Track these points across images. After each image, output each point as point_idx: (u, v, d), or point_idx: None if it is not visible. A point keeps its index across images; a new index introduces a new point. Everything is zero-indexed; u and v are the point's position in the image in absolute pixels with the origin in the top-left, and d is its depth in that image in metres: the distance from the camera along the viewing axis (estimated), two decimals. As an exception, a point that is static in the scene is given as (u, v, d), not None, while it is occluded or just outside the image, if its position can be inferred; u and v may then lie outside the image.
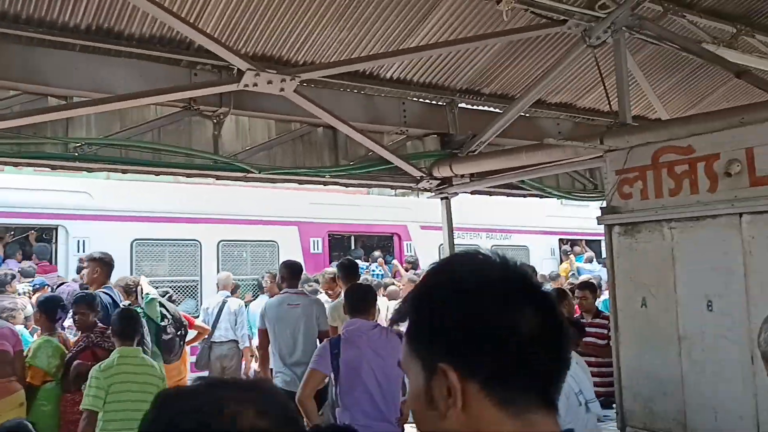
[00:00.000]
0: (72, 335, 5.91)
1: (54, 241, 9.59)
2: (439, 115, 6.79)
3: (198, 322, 8.11)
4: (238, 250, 10.94)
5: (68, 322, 6.13)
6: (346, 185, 7.00)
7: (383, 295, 9.19)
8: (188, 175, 5.98)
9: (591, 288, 7.37)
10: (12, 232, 9.89)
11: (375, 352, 4.41)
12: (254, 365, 8.66)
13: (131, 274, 8.54)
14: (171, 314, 6.55)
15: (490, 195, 7.88)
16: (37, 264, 9.12)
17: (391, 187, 7.48)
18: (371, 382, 4.43)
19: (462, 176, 6.77)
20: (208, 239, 10.46)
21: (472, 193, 7.44)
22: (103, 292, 5.88)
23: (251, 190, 9.87)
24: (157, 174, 5.81)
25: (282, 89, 5.10)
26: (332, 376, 4.59)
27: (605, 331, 6.47)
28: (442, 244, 7.53)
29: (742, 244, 4.14)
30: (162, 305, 6.56)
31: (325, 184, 6.76)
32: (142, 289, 6.59)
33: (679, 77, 7.38)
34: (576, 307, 7.30)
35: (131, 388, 4.72)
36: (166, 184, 9.74)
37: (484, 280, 1.02)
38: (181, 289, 9.90)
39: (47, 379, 5.37)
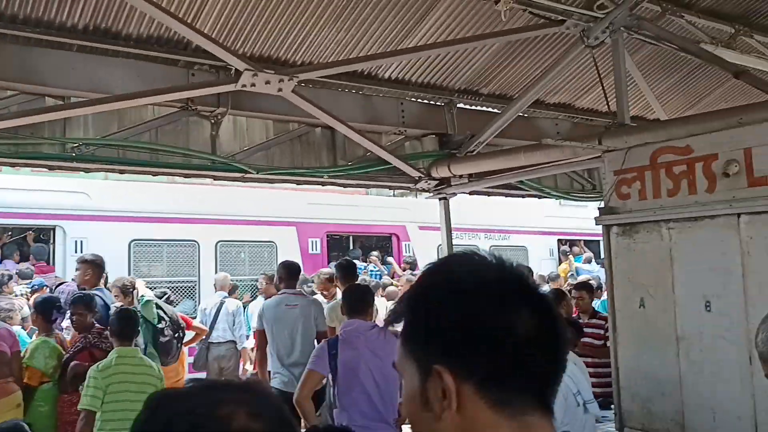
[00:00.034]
0: (69, 335, 5.90)
1: (51, 241, 9.57)
2: (437, 116, 6.78)
3: (195, 322, 8.10)
4: (236, 250, 10.92)
5: (66, 322, 6.12)
6: (344, 186, 7.00)
7: (382, 296, 9.19)
8: (186, 176, 5.97)
9: (588, 288, 7.36)
10: (9, 233, 9.87)
11: (373, 352, 4.40)
12: (248, 367, 8.63)
13: (129, 274, 8.54)
14: (168, 316, 6.54)
15: (489, 195, 7.88)
16: (34, 265, 9.11)
17: (389, 188, 7.49)
18: (369, 382, 4.43)
19: (460, 176, 6.77)
20: (206, 240, 10.44)
21: (470, 193, 7.44)
22: (95, 294, 5.87)
23: (249, 191, 9.87)
24: (155, 174, 5.80)
25: (280, 89, 5.09)
26: (330, 377, 4.58)
27: (602, 332, 6.46)
28: (440, 245, 7.52)
29: (740, 244, 4.14)
30: (159, 307, 6.55)
31: (323, 184, 6.76)
32: (137, 291, 6.59)
33: (678, 77, 7.38)
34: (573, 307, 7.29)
35: (129, 388, 4.71)
36: (164, 184, 9.73)
37: (481, 281, 1.02)
38: (179, 290, 9.89)
39: (44, 380, 5.36)
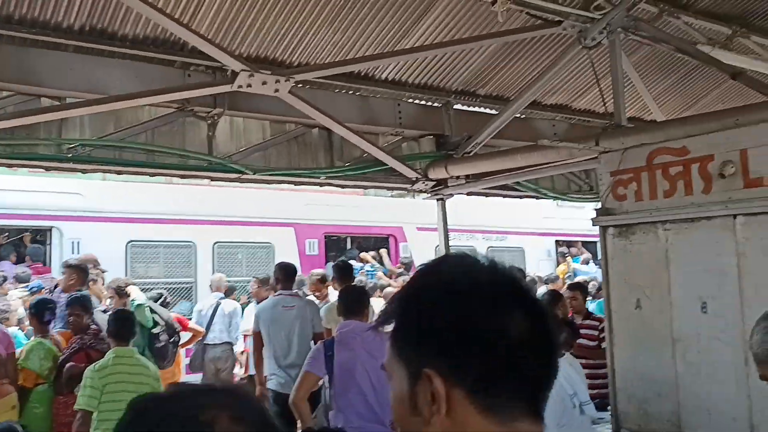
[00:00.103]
0: (56, 330, 5.84)
1: (48, 242, 9.54)
2: (434, 117, 6.78)
3: (192, 324, 8.09)
4: (233, 251, 10.90)
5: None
6: (341, 186, 7.00)
7: (379, 297, 9.17)
8: (182, 177, 5.97)
9: (581, 289, 7.36)
10: (6, 234, 9.85)
11: (369, 353, 4.40)
12: (238, 370, 8.59)
13: (126, 275, 8.52)
14: (164, 320, 6.53)
15: (486, 196, 7.88)
16: (30, 266, 9.08)
17: (387, 189, 7.48)
18: (365, 383, 4.42)
19: (457, 177, 6.76)
20: (203, 241, 10.42)
21: (467, 194, 7.44)
22: None
23: (247, 192, 9.85)
24: (151, 175, 5.81)
25: (276, 90, 5.08)
26: (326, 378, 4.57)
27: (596, 333, 6.46)
28: (437, 246, 7.52)
29: (736, 245, 4.14)
30: (153, 311, 6.54)
31: (320, 185, 6.75)
32: (130, 295, 6.58)
33: (675, 79, 7.38)
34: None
35: (127, 388, 4.71)
36: (161, 185, 9.70)
37: (475, 282, 1.01)
38: (176, 291, 9.86)
39: (39, 381, 5.36)
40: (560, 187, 7.81)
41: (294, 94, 5.25)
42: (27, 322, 6.33)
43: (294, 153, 6.23)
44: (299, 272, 7.65)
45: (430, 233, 9.07)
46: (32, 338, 5.80)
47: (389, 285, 10.11)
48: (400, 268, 11.74)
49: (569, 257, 14.35)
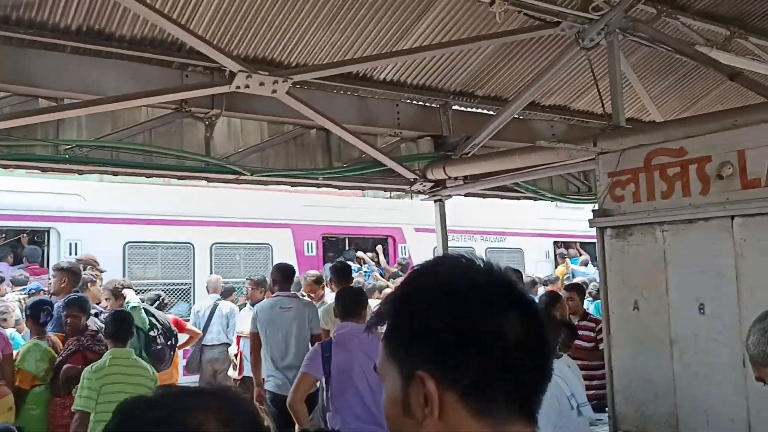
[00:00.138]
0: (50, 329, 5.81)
1: (45, 243, 9.53)
2: (432, 117, 6.77)
3: (189, 325, 8.07)
4: (231, 252, 10.89)
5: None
6: (339, 188, 6.99)
7: (378, 298, 9.16)
8: (180, 177, 5.95)
9: (578, 290, 7.35)
10: (4, 235, 9.84)
11: (366, 355, 4.39)
12: (232, 372, 8.57)
13: (124, 277, 8.51)
14: (161, 324, 6.52)
15: (484, 197, 7.88)
16: (27, 267, 9.06)
17: (385, 190, 7.48)
18: (363, 385, 4.42)
19: (456, 178, 6.76)
20: (201, 242, 10.42)
21: (465, 195, 7.44)
22: None
23: (245, 193, 9.85)
24: (149, 176, 5.80)
25: (274, 91, 5.07)
26: (323, 380, 4.57)
27: (593, 334, 6.45)
28: (436, 247, 7.51)
29: (733, 246, 4.14)
30: (150, 314, 6.52)
31: (318, 186, 6.74)
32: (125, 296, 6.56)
33: (673, 80, 7.38)
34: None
35: (124, 389, 4.70)
36: (158, 186, 9.70)
37: (472, 283, 1.01)
38: (173, 292, 9.86)
39: (36, 383, 5.34)
40: (559, 188, 7.80)
41: (292, 95, 5.24)
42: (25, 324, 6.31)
43: (292, 154, 6.22)
44: (297, 273, 7.64)
45: (428, 234, 9.06)
46: (29, 340, 5.80)
47: (387, 286, 10.11)
48: (396, 268, 11.74)
49: (568, 258, 14.35)
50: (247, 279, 8.96)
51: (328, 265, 9.72)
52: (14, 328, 6.43)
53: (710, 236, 4.27)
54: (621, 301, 4.74)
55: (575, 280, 11.06)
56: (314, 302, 7.38)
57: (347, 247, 12.85)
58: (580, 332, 6.46)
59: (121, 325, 5.12)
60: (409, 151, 6.80)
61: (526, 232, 14.09)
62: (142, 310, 6.46)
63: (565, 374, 4.06)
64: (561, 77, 6.47)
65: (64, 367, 5.30)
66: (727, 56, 6.17)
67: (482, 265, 1.05)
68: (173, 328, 6.78)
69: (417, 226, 12.27)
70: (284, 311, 6.17)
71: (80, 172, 5.53)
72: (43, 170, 5.42)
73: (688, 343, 4.36)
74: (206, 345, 8.64)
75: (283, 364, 6.01)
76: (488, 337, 0.97)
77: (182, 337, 7.40)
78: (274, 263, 7.58)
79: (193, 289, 10.24)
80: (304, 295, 7.89)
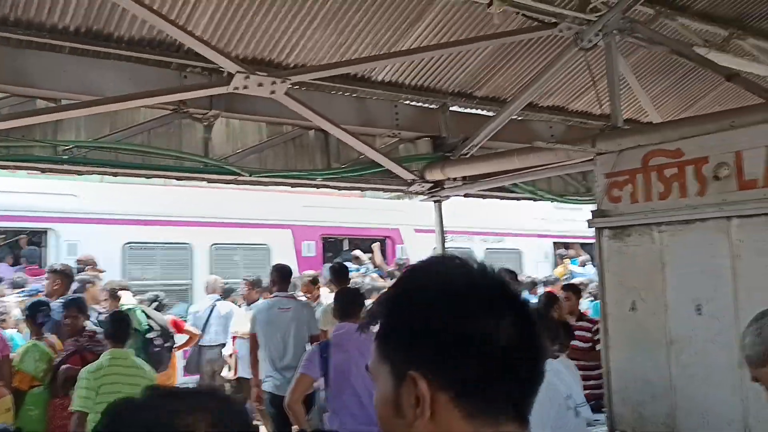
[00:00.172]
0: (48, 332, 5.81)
1: (44, 244, 9.52)
2: (431, 118, 6.77)
3: (188, 326, 8.07)
4: (230, 253, 10.88)
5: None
6: (338, 188, 6.98)
7: (376, 299, 9.15)
8: (178, 178, 5.96)
9: (574, 290, 7.36)
10: (3, 236, 9.83)
11: (364, 356, 4.38)
12: (227, 372, 8.57)
13: (123, 277, 8.50)
14: (159, 326, 6.52)
15: (483, 198, 7.87)
16: (26, 268, 9.06)
17: (383, 190, 7.46)
18: (360, 386, 4.42)
19: (454, 179, 6.75)
20: (200, 242, 10.41)
21: (464, 196, 7.43)
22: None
23: (244, 193, 9.84)
24: (148, 177, 5.79)
25: (273, 92, 5.07)
26: (321, 380, 4.57)
27: (589, 335, 6.45)
28: (435, 247, 7.51)
29: (730, 247, 4.14)
30: (148, 316, 6.52)
31: (316, 186, 6.74)
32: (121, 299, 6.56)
33: (672, 81, 7.39)
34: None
35: (122, 389, 4.70)
36: (157, 187, 9.68)
37: (471, 283, 1.01)
38: (172, 293, 9.83)
39: (34, 383, 5.34)
40: (557, 188, 7.80)
41: (290, 96, 5.24)
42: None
43: (290, 155, 6.22)
44: (296, 274, 7.64)
45: (427, 235, 9.06)
46: (27, 340, 5.80)
47: (386, 287, 10.08)
48: (392, 267, 11.73)
49: (567, 259, 14.34)
50: (242, 279, 8.96)
51: (327, 265, 9.71)
52: (15, 328, 6.44)
53: (707, 237, 4.28)
54: (618, 302, 4.74)
55: (574, 281, 11.06)
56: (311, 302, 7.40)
57: (346, 248, 12.85)
58: (576, 333, 6.46)
59: (119, 325, 5.12)
60: (408, 152, 6.80)
61: (525, 233, 14.08)
62: (140, 312, 6.46)
63: (563, 375, 4.06)
64: (559, 78, 6.48)
65: (63, 367, 5.30)
66: (724, 57, 6.18)
67: (476, 267, 1.05)
68: (171, 329, 6.78)
69: (416, 227, 12.26)
70: (283, 312, 6.18)
71: (79, 173, 5.53)
72: (42, 171, 5.41)
73: (685, 344, 4.37)
74: (205, 346, 8.64)
75: (282, 364, 6.02)
76: (488, 338, 0.97)
77: (182, 338, 7.40)
78: (273, 264, 7.57)
79: (192, 290, 10.23)
80: (300, 296, 7.90)
